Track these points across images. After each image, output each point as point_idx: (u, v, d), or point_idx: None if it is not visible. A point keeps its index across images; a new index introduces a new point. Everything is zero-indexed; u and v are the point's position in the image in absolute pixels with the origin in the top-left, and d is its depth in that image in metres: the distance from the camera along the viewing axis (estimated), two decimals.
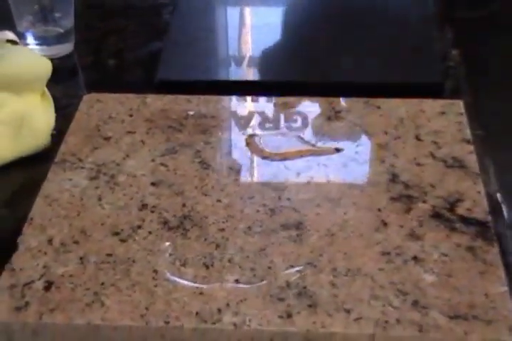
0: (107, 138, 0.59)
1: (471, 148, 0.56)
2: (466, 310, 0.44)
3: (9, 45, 0.64)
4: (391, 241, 0.49)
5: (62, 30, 0.73)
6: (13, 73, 0.60)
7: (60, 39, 0.73)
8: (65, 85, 0.69)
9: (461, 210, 0.51)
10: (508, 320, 0.43)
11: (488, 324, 0.43)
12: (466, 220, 0.50)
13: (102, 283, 0.47)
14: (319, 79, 0.67)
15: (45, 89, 0.63)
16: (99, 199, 0.53)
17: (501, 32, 0.73)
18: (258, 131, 0.60)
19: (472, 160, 0.55)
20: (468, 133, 0.57)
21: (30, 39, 0.72)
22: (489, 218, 0.50)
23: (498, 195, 0.54)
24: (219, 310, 0.45)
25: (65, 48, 0.73)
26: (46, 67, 0.62)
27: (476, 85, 0.66)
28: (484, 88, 0.66)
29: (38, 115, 0.60)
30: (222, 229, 0.50)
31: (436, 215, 0.50)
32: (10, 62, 0.61)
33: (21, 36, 0.71)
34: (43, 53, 0.69)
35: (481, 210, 0.51)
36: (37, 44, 0.72)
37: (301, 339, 0.44)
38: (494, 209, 0.52)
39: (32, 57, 0.63)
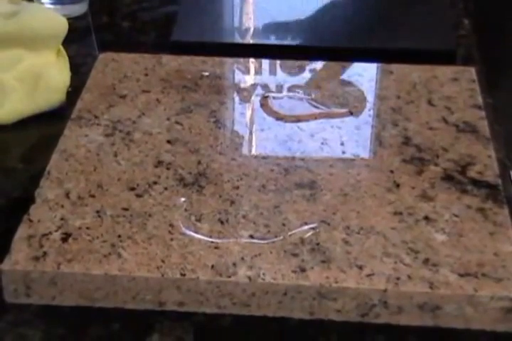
0: (123, 97, 0.59)
1: (483, 113, 0.57)
2: (475, 269, 0.45)
3: (25, 2, 0.64)
4: (403, 202, 0.50)
5: None
6: (29, 29, 0.61)
7: None
8: (79, 44, 0.69)
9: (472, 173, 0.52)
10: None
11: (497, 281, 0.44)
12: (476, 183, 0.51)
13: (119, 236, 0.47)
14: (335, 45, 0.67)
15: (61, 47, 0.63)
16: (115, 155, 0.54)
17: None
18: (272, 93, 0.60)
19: (483, 125, 0.56)
20: (479, 99, 0.58)
21: None
22: (499, 181, 0.51)
23: (507, 161, 0.55)
24: (234, 264, 0.46)
25: (79, 8, 0.74)
26: (62, 25, 0.62)
27: (487, 55, 0.66)
28: (496, 58, 0.67)
29: (54, 72, 0.61)
30: (237, 187, 0.51)
31: (447, 177, 0.51)
32: (26, 19, 0.61)
33: None
34: (57, 12, 0.69)
35: (491, 174, 0.51)
36: (51, 3, 0.72)
37: (314, 293, 0.45)
38: (503, 173, 0.53)
39: (48, 14, 0.64)
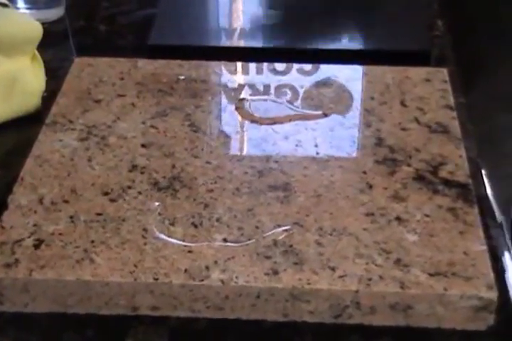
0: (98, 101, 0.59)
1: (454, 114, 0.57)
2: (446, 268, 0.45)
3: (0, 8, 0.64)
4: (376, 203, 0.50)
5: None
6: (3, 35, 0.61)
7: (50, 3, 0.73)
8: (55, 49, 0.69)
9: (443, 173, 0.52)
10: (487, 277, 0.45)
11: (467, 280, 0.44)
12: (447, 183, 0.51)
13: (92, 241, 0.48)
14: (308, 46, 0.67)
15: (36, 52, 0.63)
16: (90, 160, 0.54)
17: (487, 2, 0.74)
18: (247, 96, 0.60)
19: (455, 125, 0.56)
20: (451, 99, 0.59)
21: (20, 3, 0.72)
22: (470, 181, 0.51)
23: (479, 160, 0.55)
24: (207, 268, 0.46)
25: (55, 13, 0.74)
26: (37, 30, 0.62)
27: (461, 55, 0.67)
28: (470, 58, 0.67)
29: (29, 77, 0.61)
30: (211, 190, 0.51)
31: (419, 178, 0.52)
32: (0, 25, 0.61)
33: (12, 0, 0.72)
34: (33, 17, 0.69)
35: (462, 173, 0.52)
36: (27, 8, 0.72)
37: (287, 295, 0.45)
38: (475, 173, 0.53)
39: (22, 19, 0.64)
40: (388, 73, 0.62)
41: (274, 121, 0.58)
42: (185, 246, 0.47)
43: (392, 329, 0.45)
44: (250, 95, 0.61)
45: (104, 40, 0.72)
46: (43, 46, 0.64)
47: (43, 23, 0.64)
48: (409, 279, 0.45)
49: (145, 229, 0.48)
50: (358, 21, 0.70)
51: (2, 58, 0.60)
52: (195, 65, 0.63)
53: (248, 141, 0.56)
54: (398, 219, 0.49)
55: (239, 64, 0.64)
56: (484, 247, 0.46)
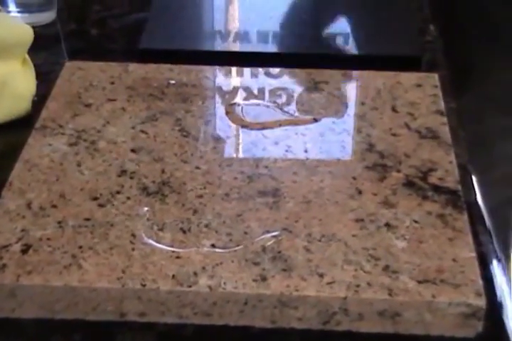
0: (88, 105, 0.59)
1: (445, 119, 0.57)
2: (434, 275, 0.45)
3: None
4: (365, 209, 0.50)
5: None
6: None
7: (41, 7, 0.73)
8: (47, 52, 0.69)
9: (433, 179, 0.52)
10: (475, 284, 0.45)
11: (455, 287, 0.44)
12: (437, 189, 0.51)
13: (80, 247, 0.47)
14: (299, 51, 0.67)
15: (26, 56, 0.63)
16: (79, 164, 0.54)
17: (478, 7, 0.74)
18: (238, 101, 0.60)
19: (445, 131, 0.56)
20: (442, 105, 0.58)
21: (12, 7, 0.72)
22: (459, 187, 0.51)
23: (469, 166, 0.55)
24: (195, 274, 0.46)
25: (47, 16, 0.73)
26: (27, 34, 0.62)
27: (453, 60, 0.67)
28: (462, 63, 0.67)
29: (19, 81, 0.61)
30: (200, 196, 0.51)
31: (409, 184, 0.52)
32: None
33: (3, 3, 0.71)
34: (25, 21, 0.69)
35: (452, 179, 0.52)
36: (19, 12, 0.72)
37: (275, 301, 0.45)
38: (465, 179, 0.53)
39: (13, 23, 0.64)
40: (379, 78, 0.62)
41: (264, 126, 0.58)
42: (173, 251, 0.47)
43: (380, 336, 0.45)
44: (241, 100, 0.60)
45: (95, 43, 0.72)
46: (35, 49, 0.64)
47: (34, 27, 0.64)
48: (397, 286, 0.45)
49: (133, 235, 0.48)
50: (349, 26, 0.70)
51: None
52: (186, 69, 0.63)
53: (238, 146, 0.56)
54: (387, 225, 0.49)
55: (230, 68, 0.64)
56: (473, 254, 0.46)
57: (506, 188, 0.70)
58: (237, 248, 0.47)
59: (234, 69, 0.64)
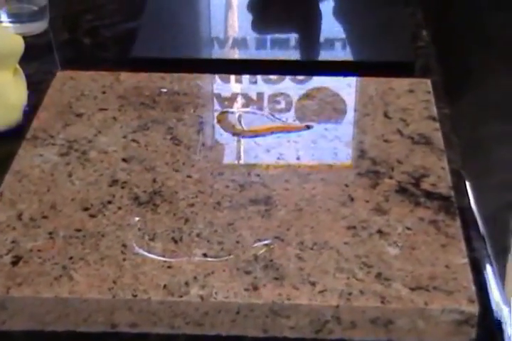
0: (79, 115, 0.59)
1: (437, 125, 0.57)
2: (427, 282, 0.45)
3: None
4: (357, 216, 0.49)
5: (36, 8, 0.73)
6: None
7: (33, 17, 0.73)
8: (39, 62, 0.69)
9: (425, 185, 0.52)
10: (468, 291, 0.44)
11: (448, 294, 0.44)
12: (430, 195, 0.51)
13: (71, 257, 0.47)
14: (291, 58, 0.67)
15: (18, 66, 0.63)
16: (70, 175, 0.53)
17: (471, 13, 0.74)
18: (230, 109, 0.60)
19: (437, 137, 0.56)
20: (434, 110, 0.58)
21: (3, 17, 0.72)
22: (452, 193, 0.51)
23: (462, 172, 0.55)
24: (186, 283, 0.45)
25: (39, 26, 0.73)
26: (18, 44, 0.62)
27: (445, 65, 0.67)
28: (455, 69, 0.67)
29: (10, 91, 0.61)
30: (192, 205, 0.51)
31: (401, 190, 0.51)
32: None
33: None
34: (17, 31, 0.69)
35: (444, 185, 0.51)
36: (10, 22, 0.72)
37: (267, 310, 0.45)
38: (458, 184, 0.53)
39: (4, 33, 0.64)
40: (372, 84, 0.61)
41: (256, 134, 0.57)
42: (164, 261, 0.47)
43: None
44: (232, 107, 0.60)
45: (87, 52, 0.72)
46: (27, 59, 0.64)
47: (26, 37, 0.64)
48: (390, 293, 0.44)
49: (124, 245, 0.48)
50: (342, 33, 0.70)
51: None
52: (178, 77, 0.63)
53: (230, 154, 0.56)
54: (380, 232, 0.48)
55: (221, 76, 0.64)
56: (466, 260, 0.46)
57: (500, 193, 0.69)
58: (228, 257, 0.47)
59: (225, 77, 0.64)
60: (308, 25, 0.72)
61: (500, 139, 0.70)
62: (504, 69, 0.70)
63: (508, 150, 0.73)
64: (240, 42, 0.71)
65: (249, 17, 0.73)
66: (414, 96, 0.60)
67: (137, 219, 0.50)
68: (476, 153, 0.59)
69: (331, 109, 0.59)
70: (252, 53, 0.69)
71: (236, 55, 0.70)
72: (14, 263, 0.47)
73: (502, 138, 0.70)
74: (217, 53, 0.71)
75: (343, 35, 0.70)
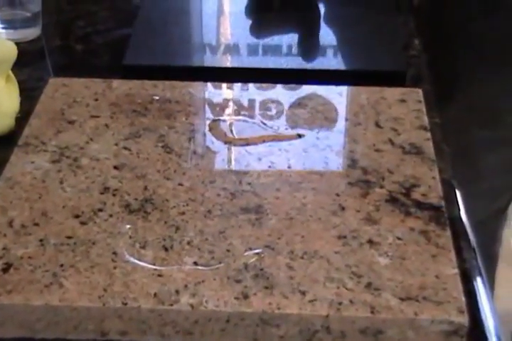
0: (71, 122, 0.59)
1: (428, 135, 0.57)
2: (417, 292, 0.45)
3: None
4: (348, 225, 0.50)
5: (29, 14, 0.73)
6: None
7: (26, 23, 0.73)
8: (31, 68, 0.69)
9: (416, 195, 0.52)
10: (458, 301, 0.44)
11: (437, 305, 0.44)
12: (420, 205, 0.51)
13: (62, 265, 0.47)
14: (283, 66, 0.67)
15: (10, 73, 0.63)
16: (61, 182, 0.53)
17: (463, 22, 0.74)
18: (222, 117, 0.60)
19: (428, 146, 0.56)
20: (425, 120, 0.59)
21: None
22: (443, 203, 0.51)
23: (453, 181, 0.55)
24: (177, 292, 0.45)
25: (32, 32, 0.73)
26: (11, 51, 0.62)
27: (437, 75, 0.67)
28: (447, 78, 0.67)
29: (3, 98, 0.61)
30: (183, 213, 0.51)
31: (392, 200, 0.52)
32: None
33: None
34: (10, 37, 0.69)
35: (435, 195, 0.52)
36: (3, 28, 0.72)
37: (257, 319, 0.45)
38: (449, 194, 0.53)
39: None
40: (363, 94, 0.62)
41: (247, 142, 0.58)
42: (155, 269, 0.47)
43: None
44: (224, 116, 0.60)
45: (80, 59, 0.72)
46: (20, 66, 0.64)
47: (19, 43, 0.64)
48: (379, 303, 0.44)
49: (115, 253, 0.48)
50: (334, 41, 0.70)
51: None
52: (170, 85, 0.63)
53: (221, 163, 0.56)
54: (370, 242, 0.48)
55: (214, 84, 0.64)
56: (456, 271, 0.46)
57: (490, 202, 0.70)
58: (219, 265, 0.47)
59: (217, 85, 0.64)
60: (305, 30, 0.72)
61: (490, 147, 0.71)
62: (494, 77, 0.70)
63: (497, 156, 0.73)
64: (232, 50, 0.71)
65: (243, 24, 0.74)
66: (406, 106, 0.60)
67: (128, 226, 0.50)
68: (464, 160, 0.59)
69: (323, 117, 0.60)
70: (244, 61, 0.70)
71: (228, 62, 0.70)
72: (4, 270, 0.47)
73: (490, 145, 0.70)
74: (209, 61, 0.71)
75: (335, 44, 0.70)
